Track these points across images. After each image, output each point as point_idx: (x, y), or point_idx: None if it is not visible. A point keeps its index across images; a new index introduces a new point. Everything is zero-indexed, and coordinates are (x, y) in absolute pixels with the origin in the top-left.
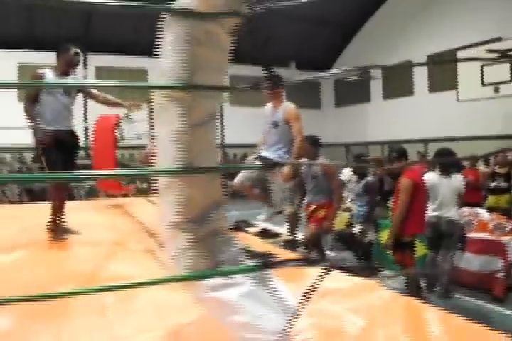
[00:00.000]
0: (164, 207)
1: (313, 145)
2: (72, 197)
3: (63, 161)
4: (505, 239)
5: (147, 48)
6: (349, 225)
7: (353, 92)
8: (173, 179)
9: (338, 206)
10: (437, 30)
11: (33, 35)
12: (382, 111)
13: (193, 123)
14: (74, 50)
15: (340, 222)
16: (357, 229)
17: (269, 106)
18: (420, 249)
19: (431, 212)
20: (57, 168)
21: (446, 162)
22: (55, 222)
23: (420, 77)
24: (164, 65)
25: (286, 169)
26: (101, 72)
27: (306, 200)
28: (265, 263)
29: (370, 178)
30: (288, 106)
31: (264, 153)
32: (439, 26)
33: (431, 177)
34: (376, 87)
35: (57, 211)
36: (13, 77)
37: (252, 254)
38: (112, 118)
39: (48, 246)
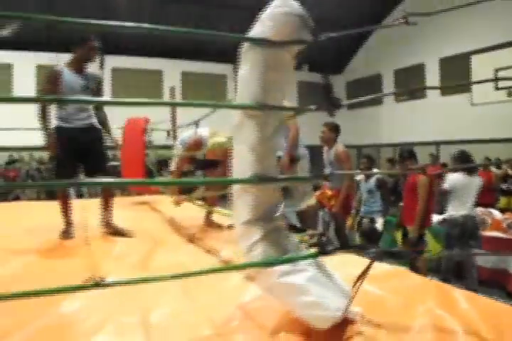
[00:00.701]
0: (238, 208)
1: (333, 131)
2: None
3: (75, 162)
4: None
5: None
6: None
7: (365, 95)
8: (247, 187)
9: (345, 192)
10: (452, 33)
11: (50, 36)
12: (395, 113)
13: (265, 137)
14: (92, 42)
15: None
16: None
17: None
18: (434, 247)
19: (457, 211)
20: (65, 171)
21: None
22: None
23: (433, 80)
24: (241, 86)
25: (284, 159)
26: (117, 73)
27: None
28: (321, 251)
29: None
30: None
31: None
32: (453, 29)
33: (459, 178)
34: (389, 89)
35: (65, 212)
36: (30, 77)
37: (308, 245)
38: (141, 121)
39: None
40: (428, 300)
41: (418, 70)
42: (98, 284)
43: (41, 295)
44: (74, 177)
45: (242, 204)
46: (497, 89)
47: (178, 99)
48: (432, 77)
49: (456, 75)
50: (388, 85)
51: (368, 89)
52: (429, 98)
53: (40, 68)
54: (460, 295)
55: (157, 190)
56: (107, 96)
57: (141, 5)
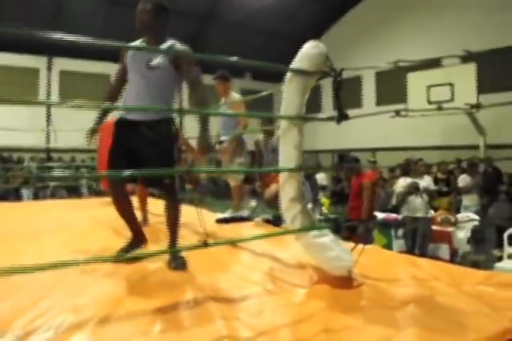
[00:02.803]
0: (285, 189)
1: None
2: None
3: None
4: (450, 229)
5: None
6: None
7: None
8: (291, 174)
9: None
10: (392, 45)
11: (73, 42)
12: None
13: (302, 139)
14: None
15: None
16: None
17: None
18: (380, 239)
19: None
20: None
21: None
22: None
23: (368, 91)
24: (286, 103)
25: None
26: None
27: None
28: (335, 223)
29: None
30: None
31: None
32: (389, 48)
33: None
34: (328, 99)
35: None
36: (54, 83)
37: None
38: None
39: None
40: (402, 264)
41: (356, 82)
42: None
43: None
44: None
45: (288, 186)
46: (429, 103)
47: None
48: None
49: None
50: (327, 95)
51: (310, 97)
52: (364, 108)
53: (62, 74)
54: (422, 261)
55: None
56: None
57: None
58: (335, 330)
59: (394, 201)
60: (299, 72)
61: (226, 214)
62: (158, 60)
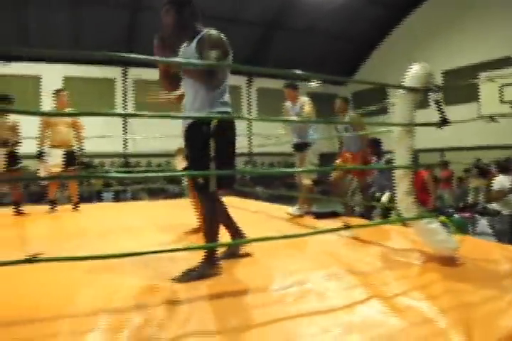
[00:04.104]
0: (400, 184)
1: (344, 102)
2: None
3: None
4: None
5: None
6: None
7: (369, 106)
8: (406, 171)
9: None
10: (456, 47)
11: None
12: None
13: (413, 143)
14: None
15: None
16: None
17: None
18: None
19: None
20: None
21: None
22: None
23: None
24: (400, 114)
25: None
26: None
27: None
28: (440, 212)
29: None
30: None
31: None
32: (457, 43)
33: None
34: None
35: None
36: (129, 91)
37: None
38: None
39: None
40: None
41: None
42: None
43: None
44: None
45: (402, 183)
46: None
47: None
48: None
49: (461, 87)
50: (393, 97)
51: (372, 100)
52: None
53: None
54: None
55: None
56: None
57: None
58: (451, 291)
59: (470, 198)
60: (409, 89)
61: (295, 210)
62: (188, 56)
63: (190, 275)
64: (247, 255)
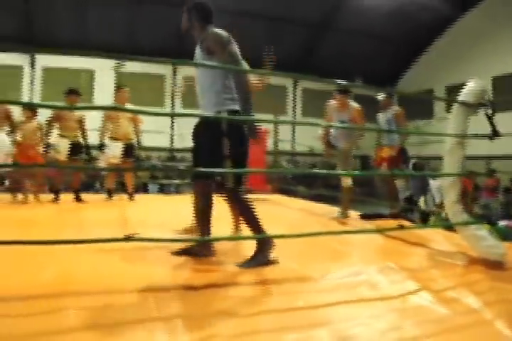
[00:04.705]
0: (450, 192)
1: (389, 96)
2: None
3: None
4: None
5: None
6: None
7: (416, 109)
8: (455, 180)
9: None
10: (507, 51)
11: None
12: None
13: (464, 154)
14: None
15: None
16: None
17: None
18: None
19: None
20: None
21: None
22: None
23: None
24: (454, 126)
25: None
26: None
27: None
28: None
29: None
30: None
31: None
32: (507, 49)
33: None
34: (439, 105)
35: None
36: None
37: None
38: (261, 131)
39: None
40: None
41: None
42: None
43: None
44: None
45: (452, 191)
46: None
47: None
48: None
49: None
50: (439, 102)
51: (419, 103)
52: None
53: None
54: None
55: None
56: None
57: None
58: (496, 289)
59: None
60: (464, 104)
61: (339, 213)
62: (197, 56)
63: (253, 262)
64: (207, 255)
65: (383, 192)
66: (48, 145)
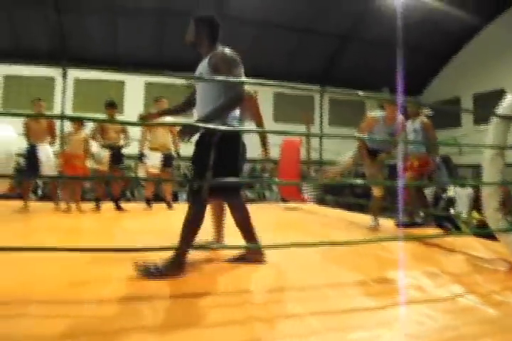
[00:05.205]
0: (490, 201)
1: (416, 107)
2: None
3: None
4: None
5: None
6: None
7: (443, 117)
8: (496, 189)
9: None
10: None
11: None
12: (473, 136)
13: (504, 165)
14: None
15: None
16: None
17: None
18: None
19: None
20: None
21: None
22: None
23: None
24: (493, 138)
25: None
26: None
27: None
28: None
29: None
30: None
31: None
32: None
33: None
34: (466, 114)
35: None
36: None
37: None
38: (297, 141)
39: None
40: None
41: (498, 96)
42: None
43: None
44: None
45: (493, 198)
46: None
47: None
48: None
49: None
50: (467, 108)
51: (444, 113)
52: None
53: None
54: None
55: (304, 198)
56: None
57: None
58: None
59: None
60: (503, 117)
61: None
62: (201, 70)
63: (151, 272)
64: (260, 261)
65: (414, 200)
66: (91, 156)
